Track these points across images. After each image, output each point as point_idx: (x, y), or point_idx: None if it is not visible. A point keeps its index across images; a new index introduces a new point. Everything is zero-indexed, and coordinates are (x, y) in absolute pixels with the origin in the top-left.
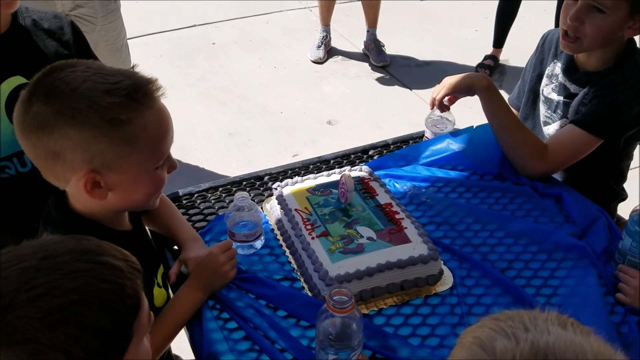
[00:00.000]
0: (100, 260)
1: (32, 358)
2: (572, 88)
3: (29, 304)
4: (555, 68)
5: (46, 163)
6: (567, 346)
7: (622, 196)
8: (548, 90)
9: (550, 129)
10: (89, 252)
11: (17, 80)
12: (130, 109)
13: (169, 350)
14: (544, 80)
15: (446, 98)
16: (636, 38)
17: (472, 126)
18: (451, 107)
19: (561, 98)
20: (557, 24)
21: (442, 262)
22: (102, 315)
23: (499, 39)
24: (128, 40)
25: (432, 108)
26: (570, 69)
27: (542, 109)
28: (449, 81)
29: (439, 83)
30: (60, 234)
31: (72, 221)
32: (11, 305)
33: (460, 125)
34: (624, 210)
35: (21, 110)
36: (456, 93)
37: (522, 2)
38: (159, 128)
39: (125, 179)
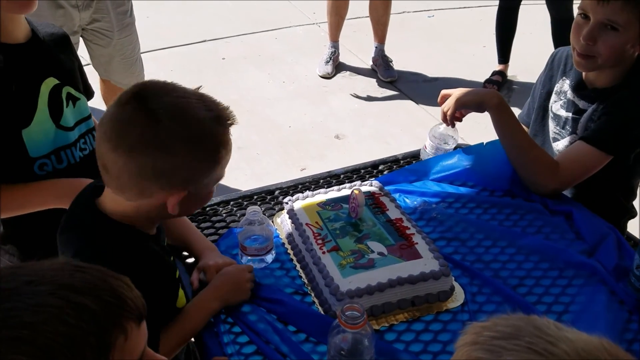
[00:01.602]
0: (73, 300)
1: None
2: (581, 104)
3: None
4: (564, 85)
5: (143, 181)
6: (597, 347)
7: (632, 213)
8: (557, 106)
9: (559, 145)
10: (69, 288)
11: (52, 81)
12: (227, 136)
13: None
14: (553, 97)
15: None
16: None
17: (482, 142)
18: (460, 122)
19: (570, 114)
20: (555, 44)
21: (453, 278)
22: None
23: (503, 54)
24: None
25: (441, 118)
26: (579, 86)
27: (551, 126)
28: (458, 96)
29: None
30: (91, 236)
31: (106, 224)
32: None
33: (469, 140)
34: (633, 227)
35: (125, 128)
36: (464, 109)
37: (529, 19)
38: (231, 150)
39: (198, 194)
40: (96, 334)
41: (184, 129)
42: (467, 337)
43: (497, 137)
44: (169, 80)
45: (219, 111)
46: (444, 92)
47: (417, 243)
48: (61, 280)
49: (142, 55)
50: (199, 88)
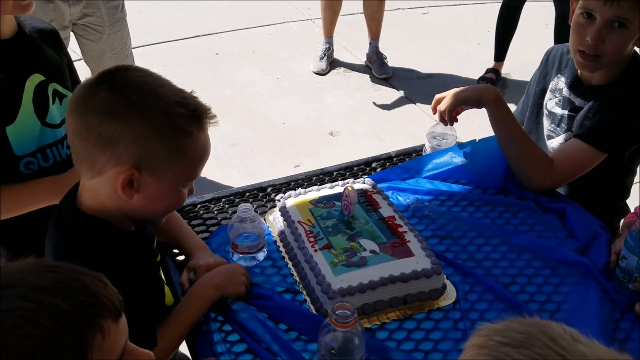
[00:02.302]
0: (45, 301)
1: None
2: (577, 102)
3: None
4: (559, 82)
5: (92, 149)
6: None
7: (625, 212)
8: (552, 104)
9: (554, 143)
10: (39, 290)
11: (37, 77)
12: (192, 124)
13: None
14: (548, 95)
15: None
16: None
17: (475, 140)
18: (456, 121)
19: (565, 112)
20: (556, 41)
21: (445, 276)
22: None
23: (500, 53)
24: (132, 50)
25: (438, 118)
26: (575, 83)
27: (546, 123)
28: (457, 92)
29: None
30: (69, 234)
31: (82, 221)
32: None
33: (462, 138)
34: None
35: (85, 93)
36: (464, 105)
37: (524, 17)
38: (205, 151)
39: (158, 186)
40: (71, 334)
41: (144, 101)
42: (477, 338)
43: (489, 134)
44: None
45: (195, 104)
46: (437, 96)
47: (409, 241)
48: (31, 282)
49: (134, 50)
50: (191, 92)
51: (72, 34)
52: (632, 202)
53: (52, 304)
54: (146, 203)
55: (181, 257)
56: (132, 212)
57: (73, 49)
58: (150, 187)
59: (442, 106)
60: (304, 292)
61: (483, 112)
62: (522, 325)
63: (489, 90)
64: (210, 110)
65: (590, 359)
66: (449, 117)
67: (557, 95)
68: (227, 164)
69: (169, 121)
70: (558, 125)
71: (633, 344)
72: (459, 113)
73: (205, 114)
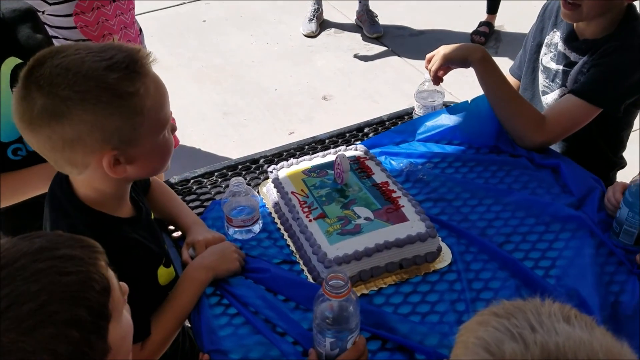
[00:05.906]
0: (57, 255)
1: None
2: (572, 56)
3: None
4: (555, 37)
5: (63, 152)
6: (577, 346)
7: (621, 165)
8: (547, 59)
9: (548, 99)
10: (44, 250)
11: (13, 61)
12: (134, 80)
13: (185, 329)
14: (543, 49)
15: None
16: (636, 4)
17: (467, 100)
18: (447, 76)
19: (560, 67)
20: None
21: (440, 239)
22: (76, 307)
23: (493, 5)
24: None
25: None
26: (570, 37)
27: (541, 79)
28: (444, 52)
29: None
30: (69, 222)
31: (80, 212)
32: None
33: (457, 95)
34: (624, 177)
35: (24, 107)
36: (450, 64)
37: None
38: (160, 93)
39: (141, 150)
40: (94, 271)
41: (77, 89)
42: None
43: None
44: (142, 47)
45: (123, 58)
46: (428, 55)
47: (403, 206)
48: (30, 248)
49: None
50: (112, 40)
51: None
52: (627, 153)
53: (63, 255)
54: (142, 168)
55: (177, 234)
56: (135, 178)
57: None
58: (137, 155)
59: (431, 65)
60: (301, 262)
61: None
62: (525, 301)
63: (475, 49)
64: (140, 52)
65: (558, 339)
66: (434, 76)
67: (552, 50)
68: (221, 134)
69: (111, 93)
70: (552, 81)
71: (627, 295)
72: (446, 72)
73: (137, 62)
